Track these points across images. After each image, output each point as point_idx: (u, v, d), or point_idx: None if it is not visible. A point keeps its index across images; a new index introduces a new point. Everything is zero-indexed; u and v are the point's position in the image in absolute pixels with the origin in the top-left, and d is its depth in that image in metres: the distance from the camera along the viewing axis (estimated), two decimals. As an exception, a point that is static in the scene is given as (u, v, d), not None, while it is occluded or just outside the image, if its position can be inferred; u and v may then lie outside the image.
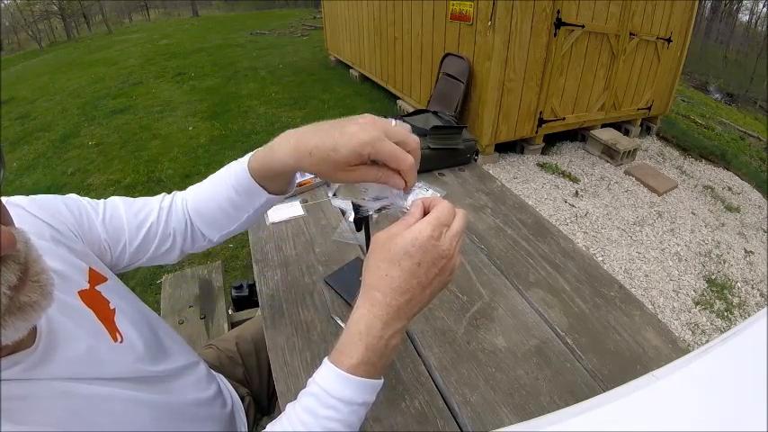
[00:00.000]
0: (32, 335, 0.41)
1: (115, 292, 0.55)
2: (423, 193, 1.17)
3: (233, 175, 0.59)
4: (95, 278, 0.53)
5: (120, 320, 0.53)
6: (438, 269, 0.44)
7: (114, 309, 0.53)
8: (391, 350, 0.46)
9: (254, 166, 0.57)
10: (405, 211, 0.50)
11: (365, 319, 0.45)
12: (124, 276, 0.63)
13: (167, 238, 0.65)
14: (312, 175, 1.22)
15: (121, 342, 0.51)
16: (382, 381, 0.47)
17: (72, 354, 0.44)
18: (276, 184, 0.60)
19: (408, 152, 0.47)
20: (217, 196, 0.62)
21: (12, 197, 0.52)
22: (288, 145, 0.51)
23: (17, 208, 0.51)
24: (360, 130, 0.46)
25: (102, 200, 0.63)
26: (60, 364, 0.42)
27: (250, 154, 0.58)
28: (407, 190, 0.50)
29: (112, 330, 0.51)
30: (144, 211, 0.64)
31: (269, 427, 0.46)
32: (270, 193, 0.60)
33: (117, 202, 0.63)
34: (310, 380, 0.47)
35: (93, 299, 0.51)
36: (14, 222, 0.49)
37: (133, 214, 0.63)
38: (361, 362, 0.44)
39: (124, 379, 0.48)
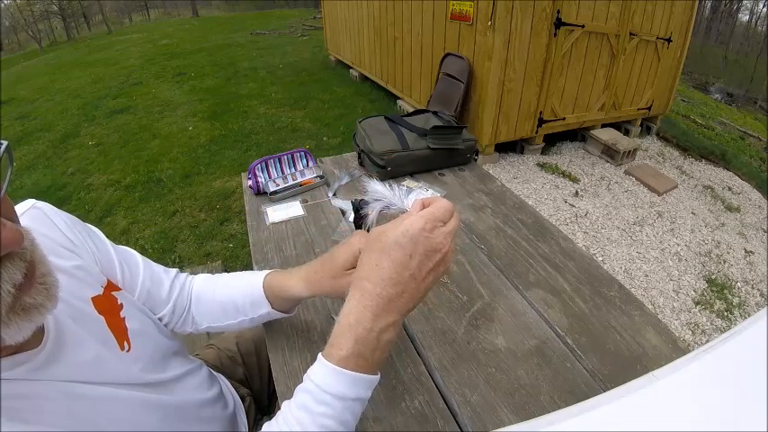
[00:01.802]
0: (39, 336, 0.41)
1: (128, 299, 0.56)
2: (423, 193, 1.17)
3: (248, 284, 0.65)
4: (111, 286, 0.54)
5: (131, 327, 0.53)
6: (432, 263, 0.43)
7: (125, 317, 0.53)
8: (384, 345, 0.44)
9: (269, 284, 0.63)
10: (405, 211, 0.50)
11: (355, 311, 0.44)
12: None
13: (167, 303, 0.65)
14: (313, 175, 1.22)
15: (128, 351, 0.51)
16: (378, 377, 0.46)
17: (78, 359, 0.44)
18: (283, 303, 0.64)
19: None
20: (225, 291, 0.67)
21: (39, 202, 0.52)
22: (300, 273, 0.60)
23: (38, 211, 0.51)
24: (347, 240, 0.57)
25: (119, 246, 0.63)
26: (65, 367, 0.42)
27: (269, 271, 0.66)
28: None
29: (121, 339, 0.51)
30: (160, 269, 0.66)
31: (265, 427, 0.45)
32: (273, 308, 0.64)
33: (136, 257, 0.64)
34: (305, 375, 0.46)
35: (106, 305, 0.51)
36: (34, 224, 0.49)
37: (149, 276, 0.64)
38: (350, 354, 0.43)
39: (129, 384, 0.48)
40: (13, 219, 0.34)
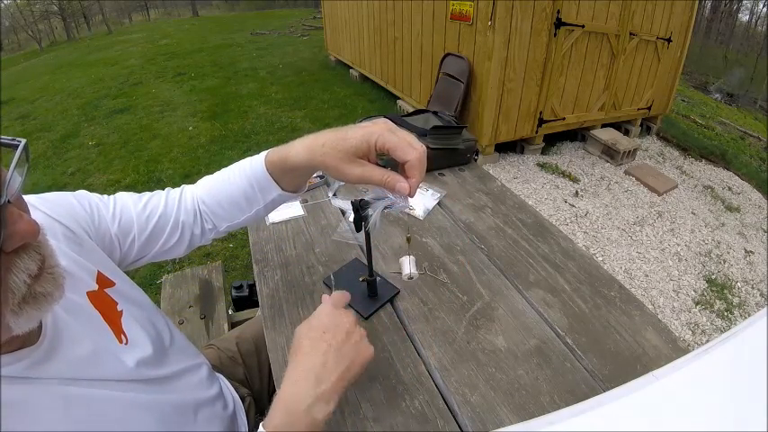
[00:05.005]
0: (37, 332, 0.41)
1: (123, 295, 0.55)
2: (422, 193, 1.17)
3: (249, 167, 0.62)
4: (103, 282, 0.54)
5: (127, 323, 0.53)
6: (343, 334, 0.54)
7: (122, 311, 0.53)
8: (315, 421, 0.48)
9: (271, 160, 0.60)
10: (407, 209, 0.51)
11: (285, 386, 0.51)
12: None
13: (176, 230, 0.65)
14: (313, 175, 1.22)
15: (126, 344, 0.51)
16: None
17: (76, 353, 0.44)
18: (290, 180, 0.62)
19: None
20: (231, 188, 0.64)
21: (29, 197, 0.52)
22: (304, 141, 0.56)
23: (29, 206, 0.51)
24: (371, 124, 0.52)
25: (109, 195, 0.63)
26: (64, 363, 0.42)
27: (268, 150, 0.61)
28: (412, 194, 0.50)
29: (118, 332, 0.51)
30: (151, 204, 0.64)
31: None
32: (283, 189, 0.62)
33: (124, 197, 0.64)
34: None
35: (100, 300, 0.51)
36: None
37: (141, 207, 0.63)
38: (281, 423, 0.47)
39: (126, 381, 0.48)
40: (27, 212, 0.35)
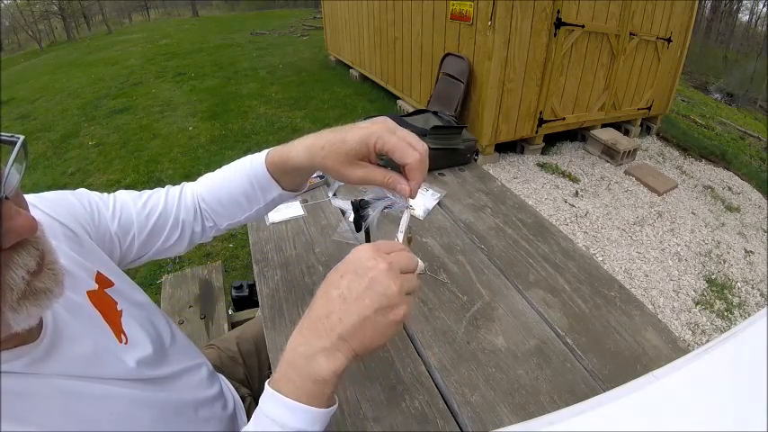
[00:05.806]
0: (37, 330, 0.41)
1: (122, 295, 0.55)
2: (422, 193, 1.17)
3: (250, 167, 0.62)
4: (103, 281, 0.54)
5: (127, 323, 0.53)
6: (363, 283, 0.40)
7: (122, 310, 0.53)
8: (318, 375, 0.40)
9: (272, 160, 0.60)
10: (407, 209, 0.50)
11: (292, 336, 0.44)
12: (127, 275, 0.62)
13: (176, 228, 0.65)
14: (313, 175, 1.22)
15: (126, 344, 0.51)
16: (315, 410, 0.40)
17: (76, 352, 0.44)
18: (290, 180, 0.62)
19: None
20: (231, 186, 0.64)
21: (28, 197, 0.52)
22: (304, 142, 0.55)
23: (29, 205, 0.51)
24: (370, 124, 0.50)
25: (109, 193, 0.63)
26: (63, 361, 0.42)
27: (269, 149, 0.61)
28: (412, 195, 0.50)
29: (118, 332, 0.51)
30: (151, 202, 0.64)
31: None
32: (283, 188, 0.62)
33: (124, 195, 0.64)
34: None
35: (100, 300, 0.51)
36: None
37: (141, 205, 0.63)
38: (282, 377, 0.41)
39: (127, 380, 0.48)
40: (26, 209, 0.35)
